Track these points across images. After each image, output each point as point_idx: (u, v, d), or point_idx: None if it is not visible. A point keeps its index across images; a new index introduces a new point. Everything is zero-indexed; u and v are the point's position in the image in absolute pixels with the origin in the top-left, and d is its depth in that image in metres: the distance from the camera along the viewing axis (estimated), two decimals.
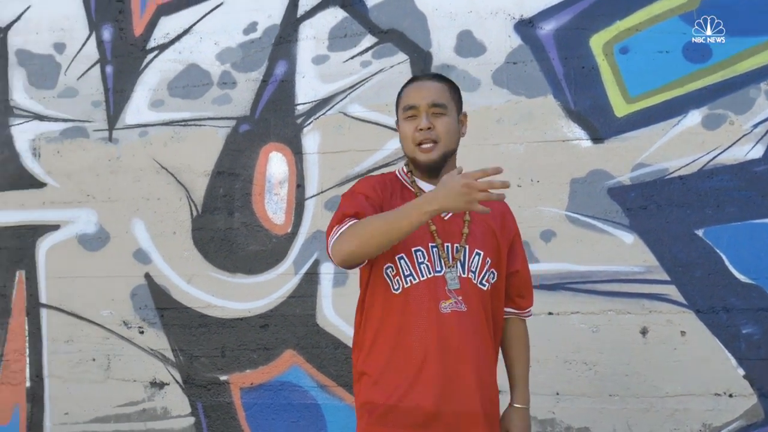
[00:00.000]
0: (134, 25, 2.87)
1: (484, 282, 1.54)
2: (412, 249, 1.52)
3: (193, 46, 2.79)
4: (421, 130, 1.53)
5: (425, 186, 1.58)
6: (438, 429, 1.45)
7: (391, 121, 2.56)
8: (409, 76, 2.52)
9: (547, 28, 2.48)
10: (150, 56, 2.83)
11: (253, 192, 2.66)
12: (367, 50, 2.62)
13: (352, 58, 2.63)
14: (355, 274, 2.36)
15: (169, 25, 2.82)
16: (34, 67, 2.94)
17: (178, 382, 2.63)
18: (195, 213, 2.72)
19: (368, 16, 2.64)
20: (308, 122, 2.64)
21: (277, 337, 2.56)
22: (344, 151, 2.60)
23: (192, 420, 2.60)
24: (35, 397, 2.73)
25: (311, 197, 2.61)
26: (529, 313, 1.69)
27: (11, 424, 2.73)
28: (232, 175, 2.68)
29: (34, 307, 2.79)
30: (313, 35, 2.68)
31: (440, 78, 1.65)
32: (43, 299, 2.79)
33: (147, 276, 2.72)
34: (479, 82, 2.51)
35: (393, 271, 1.51)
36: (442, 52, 2.55)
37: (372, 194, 1.53)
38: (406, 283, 1.51)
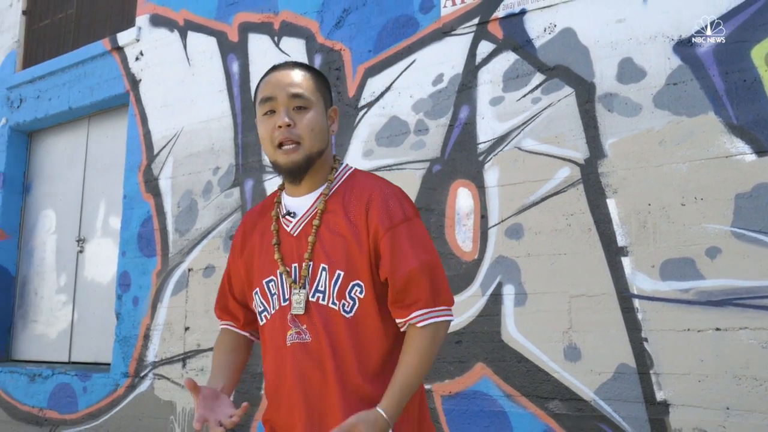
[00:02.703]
0: (348, 87, 4.24)
1: (335, 301, 1.58)
2: (264, 281, 1.68)
3: (393, 100, 4.03)
4: (279, 127, 1.57)
5: (288, 201, 1.71)
6: None
7: (561, 151, 3.44)
8: (575, 108, 3.41)
9: (706, 45, 3.11)
10: (361, 113, 4.16)
11: (445, 224, 3.75)
12: (536, 88, 3.54)
13: (524, 96, 3.58)
14: (533, 294, 3.32)
15: (374, 85, 4.12)
16: None
17: None
18: None
19: (536, 55, 3.56)
20: (488, 159, 3.65)
21: (469, 352, 3.58)
22: (520, 183, 3.54)
23: None
24: None
25: (493, 226, 3.60)
26: (420, 319, 1.59)
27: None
28: (428, 210, 3.81)
29: None
30: (489, 79, 3.70)
31: (303, 66, 1.68)
32: None
33: None
34: (641, 107, 3.23)
35: (256, 306, 1.73)
36: (605, 81, 3.34)
37: (230, 264, 1.82)
38: (262, 320, 1.69)
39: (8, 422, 5.67)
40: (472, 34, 3.77)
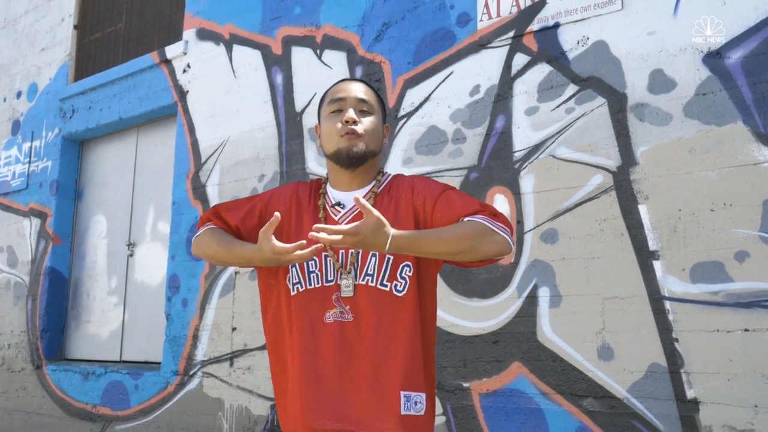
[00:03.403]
0: (388, 98, 4.44)
1: (385, 283, 1.79)
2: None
3: (432, 110, 4.23)
4: (347, 122, 1.83)
5: (335, 194, 1.91)
6: None
7: (593, 158, 3.60)
8: (608, 118, 3.57)
9: (735, 57, 3.25)
10: (401, 123, 4.37)
11: None
12: (570, 98, 3.71)
13: (558, 106, 3.75)
14: (567, 296, 3.47)
15: (413, 96, 4.33)
16: None
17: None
18: None
19: (570, 67, 3.73)
20: (524, 166, 3.83)
21: (506, 351, 3.76)
22: (555, 189, 3.71)
23: (444, 419, 3.95)
24: None
25: (529, 231, 3.77)
26: (471, 218, 1.75)
27: None
28: None
29: None
30: (525, 90, 3.88)
31: (368, 84, 1.97)
32: None
33: None
34: (671, 116, 3.38)
35: (290, 278, 1.85)
36: (636, 91, 3.50)
37: (259, 207, 1.93)
38: (293, 290, 1.84)
39: (63, 418, 5.99)
40: (508, 46, 3.96)
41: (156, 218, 6.01)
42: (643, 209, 3.41)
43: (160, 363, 5.52)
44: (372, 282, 1.80)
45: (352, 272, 1.82)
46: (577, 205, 3.61)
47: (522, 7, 3.93)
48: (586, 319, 3.49)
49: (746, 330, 3.09)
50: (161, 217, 5.95)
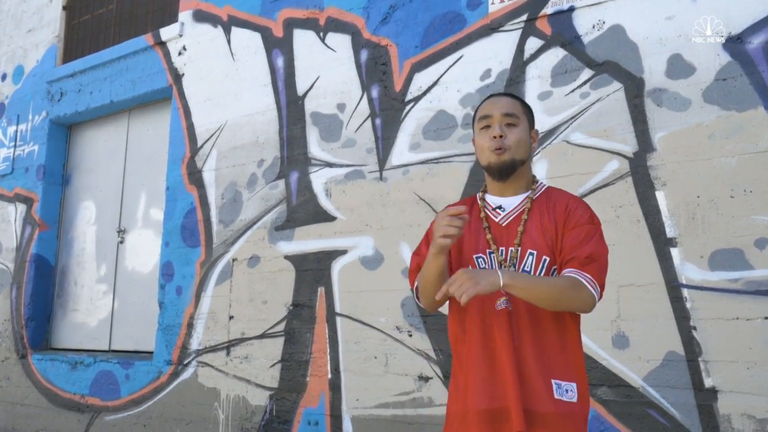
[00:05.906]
0: (395, 82, 4.37)
1: None
2: (474, 256, 2.08)
3: (440, 95, 4.16)
4: (494, 137, 2.05)
5: (491, 199, 2.13)
6: (473, 422, 1.96)
7: (609, 144, 3.56)
8: (624, 103, 3.53)
9: (756, 42, 3.22)
10: (408, 107, 4.29)
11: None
12: (585, 83, 3.66)
13: (572, 91, 3.70)
14: None
15: (421, 80, 4.26)
16: (323, 125, 4.65)
17: (439, 377, 3.97)
18: None
19: (585, 51, 3.68)
20: (537, 152, 3.77)
21: None
22: (569, 175, 3.65)
23: None
24: (335, 386, 4.34)
25: None
26: (573, 273, 1.93)
27: (319, 407, 4.38)
28: None
29: (331, 315, 4.43)
30: (538, 75, 3.82)
31: (513, 96, 2.18)
32: (337, 309, 4.41)
33: None
34: (690, 102, 3.35)
35: None
36: (654, 76, 3.46)
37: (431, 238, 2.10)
38: None
39: (49, 409, 5.85)
40: (520, 30, 3.90)
41: (148, 204, 5.88)
42: (660, 196, 3.37)
43: (152, 352, 5.40)
44: None
45: (512, 268, 2.00)
46: (592, 191, 3.56)
47: None
48: (600, 306, 3.38)
49: (766, 318, 3.06)
50: (153, 203, 5.82)
